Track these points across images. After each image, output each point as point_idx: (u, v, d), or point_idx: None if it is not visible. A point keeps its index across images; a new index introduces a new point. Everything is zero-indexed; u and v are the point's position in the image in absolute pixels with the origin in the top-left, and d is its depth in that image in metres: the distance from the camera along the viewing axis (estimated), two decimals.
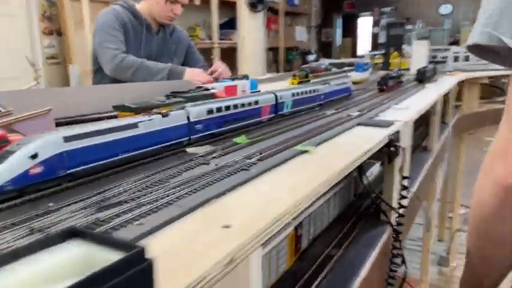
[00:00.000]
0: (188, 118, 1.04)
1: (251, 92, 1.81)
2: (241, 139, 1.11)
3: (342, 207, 1.41)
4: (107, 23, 2.25)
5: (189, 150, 1.03)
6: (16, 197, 0.70)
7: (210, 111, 1.12)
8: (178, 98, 1.25)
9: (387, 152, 1.28)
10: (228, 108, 1.19)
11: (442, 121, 2.77)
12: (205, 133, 1.11)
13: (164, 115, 0.98)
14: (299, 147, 1.03)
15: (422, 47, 3.42)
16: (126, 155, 0.87)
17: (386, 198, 1.38)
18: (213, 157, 0.96)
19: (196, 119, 1.07)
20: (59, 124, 1.09)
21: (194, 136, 1.07)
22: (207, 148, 1.05)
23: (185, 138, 1.05)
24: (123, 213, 0.65)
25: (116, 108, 1.13)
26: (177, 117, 1.02)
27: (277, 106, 1.42)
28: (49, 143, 0.73)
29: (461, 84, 3.40)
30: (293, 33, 8.09)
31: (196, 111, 1.08)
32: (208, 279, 0.51)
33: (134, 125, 0.90)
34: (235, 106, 1.22)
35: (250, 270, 0.62)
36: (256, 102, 1.32)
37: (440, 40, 7.49)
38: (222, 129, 1.18)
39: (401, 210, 1.41)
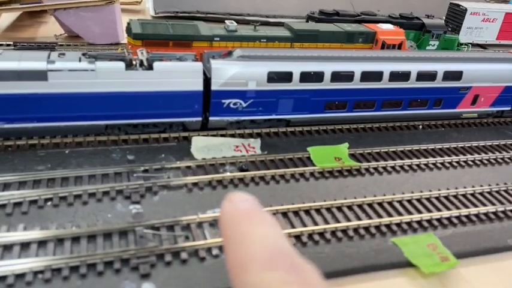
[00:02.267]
0: (207, 81, 0.58)
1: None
2: (333, 152, 0.67)
3: None
4: None
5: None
6: None
7: (278, 77, 0.62)
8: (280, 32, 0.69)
9: None
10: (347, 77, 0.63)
11: None
12: (247, 117, 0.62)
13: (130, 63, 0.53)
14: (402, 246, 0.71)
15: None
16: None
17: None
18: None
19: (224, 88, 0.59)
20: None
21: (217, 118, 0.64)
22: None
23: (190, 119, 0.62)
24: None
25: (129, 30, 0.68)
26: (159, 74, 0.56)
27: None
28: None
29: None
30: None
31: (224, 68, 0.59)
32: None
33: (40, 74, 0.51)
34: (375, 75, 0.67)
35: None
36: (456, 77, 0.69)
37: None
38: (303, 116, 0.64)
39: None
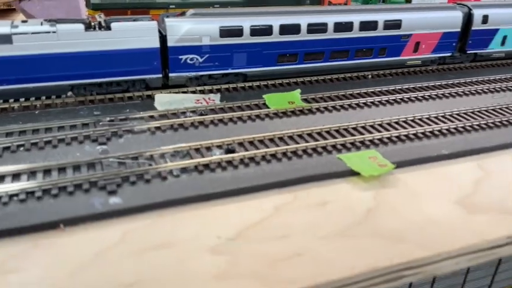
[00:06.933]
0: (163, 38, 0.70)
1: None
2: (287, 97, 0.78)
3: None
4: None
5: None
6: None
7: (231, 31, 0.73)
8: None
9: None
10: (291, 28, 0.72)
11: None
12: (204, 72, 0.72)
13: (89, 25, 0.67)
14: (346, 160, 0.69)
15: None
16: None
17: None
18: None
19: (180, 44, 0.72)
20: None
21: (177, 74, 0.75)
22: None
23: (151, 76, 0.73)
24: None
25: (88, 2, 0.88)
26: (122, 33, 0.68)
27: (467, 34, 0.82)
28: None
29: None
30: None
31: (178, 25, 0.72)
32: None
33: (5, 38, 0.68)
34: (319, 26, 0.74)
35: None
36: (395, 25, 0.76)
37: None
38: (259, 69, 0.74)
39: None
